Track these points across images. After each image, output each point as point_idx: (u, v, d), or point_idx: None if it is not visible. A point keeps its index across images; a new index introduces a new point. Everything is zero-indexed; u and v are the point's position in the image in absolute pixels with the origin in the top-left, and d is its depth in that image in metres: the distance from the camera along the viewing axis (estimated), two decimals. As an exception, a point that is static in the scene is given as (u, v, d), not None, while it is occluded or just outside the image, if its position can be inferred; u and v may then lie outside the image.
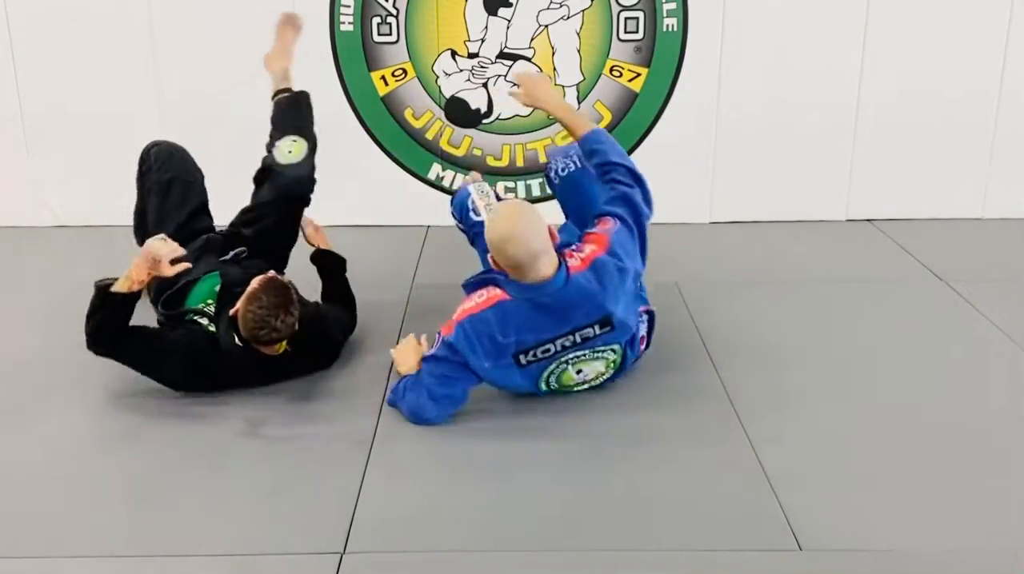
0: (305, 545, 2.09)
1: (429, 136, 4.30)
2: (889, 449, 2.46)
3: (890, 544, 2.09)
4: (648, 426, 2.57)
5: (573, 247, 2.61)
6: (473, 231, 3.05)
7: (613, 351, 2.61)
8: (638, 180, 2.73)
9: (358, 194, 4.34)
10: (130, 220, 4.38)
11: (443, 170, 4.34)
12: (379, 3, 4.11)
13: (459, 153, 4.31)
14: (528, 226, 2.42)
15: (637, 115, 4.24)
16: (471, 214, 3.06)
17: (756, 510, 2.21)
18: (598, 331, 2.53)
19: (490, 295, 2.53)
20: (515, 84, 3.05)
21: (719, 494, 2.28)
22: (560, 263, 2.48)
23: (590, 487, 2.31)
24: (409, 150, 4.32)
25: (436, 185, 4.36)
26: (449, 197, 4.29)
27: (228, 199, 4.34)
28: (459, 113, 4.27)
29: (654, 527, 2.15)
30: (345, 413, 2.66)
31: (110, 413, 2.69)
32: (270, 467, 2.41)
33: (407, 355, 2.77)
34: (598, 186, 2.83)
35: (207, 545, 2.10)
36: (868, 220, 4.38)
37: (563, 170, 3.02)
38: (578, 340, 2.52)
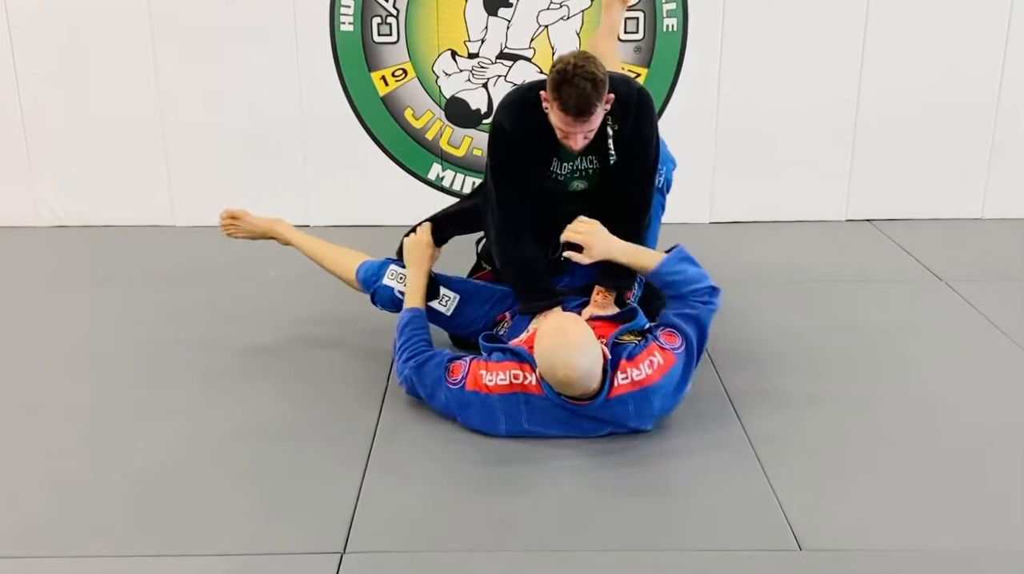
0: (305, 545, 2.09)
1: (429, 136, 4.30)
2: (889, 449, 2.46)
3: (890, 544, 2.09)
4: (648, 426, 2.57)
5: (633, 351, 2.44)
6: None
7: None
8: (714, 292, 2.56)
9: (358, 194, 4.35)
10: (127, 220, 4.40)
11: (443, 170, 4.34)
12: (379, 3, 4.11)
13: (459, 153, 4.32)
14: (580, 352, 2.31)
15: (637, 115, 4.24)
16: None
17: (756, 510, 2.21)
18: (621, 432, 2.51)
19: (523, 382, 2.44)
20: (567, 247, 2.67)
21: (719, 494, 2.28)
22: (604, 379, 2.39)
23: (590, 487, 2.31)
24: (409, 150, 4.32)
25: (436, 185, 4.36)
26: (447, 197, 4.32)
27: (226, 195, 4.36)
28: (459, 113, 4.27)
29: (654, 527, 2.15)
30: (345, 413, 2.65)
31: (109, 413, 2.69)
32: (270, 467, 2.40)
33: (420, 250, 2.88)
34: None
35: (207, 545, 2.10)
36: (868, 220, 4.38)
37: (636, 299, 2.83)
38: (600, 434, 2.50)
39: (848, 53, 4.17)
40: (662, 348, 2.46)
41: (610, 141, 2.68)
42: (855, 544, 2.08)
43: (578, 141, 2.59)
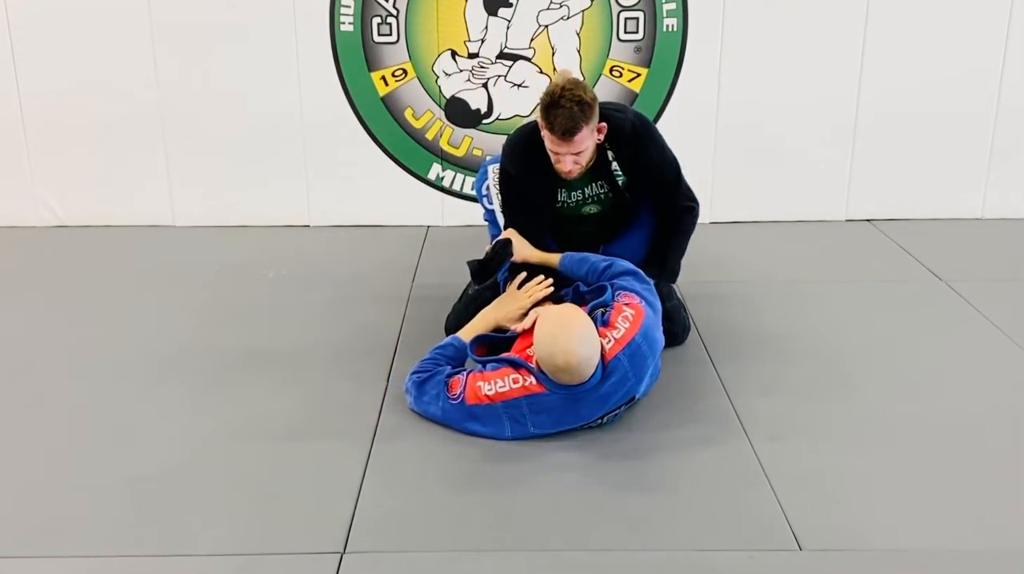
0: (305, 545, 2.09)
1: (429, 136, 4.30)
2: (889, 449, 2.46)
3: (890, 544, 2.09)
4: (648, 426, 2.57)
5: (604, 318, 2.51)
6: (485, 215, 3.15)
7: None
8: (631, 271, 2.71)
9: (358, 194, 4.35)
10: (127, 220, 4.41)
11: (443, 170, 4.34)
12: (379, 3, 4.11)
13: (459, 153, 4.32)
14: (580, 339, 2.36)
15: (637, 115, 4.24)
16: (484, 200, 3.14)
17: (756, 510, 2.21)
18: (623, 409, 2.54)
19: (524, 383, 2.45)
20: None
21: (719, 494, 2.28)
22: (597, 367, 2.42)
23: (590, 487, 2.31)
24: (409, 150, 4.32)
25: (436, 185, 4.36)
26: (447, 197, 4.34)
27: (226, 195, 4.37)
28: (459, 113, 4.27)
29: (654, 527, 2.15)
30: (345, 413, 2.66)
31: (108, 412, 2.69)
32: (270, 467, 2.40)
33: (513, 306, 2.79)
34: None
35: (207, 545, 2.10)
36: (868, 220, 4.38)
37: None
38: (604, 420, 2.52)
39: (848, 53, 4.16)
40: (627, 305, 2.54)
41: (614, 164, 2.88)
42: (855, 544, 2.09)
43: (567, 164, 2.75)
